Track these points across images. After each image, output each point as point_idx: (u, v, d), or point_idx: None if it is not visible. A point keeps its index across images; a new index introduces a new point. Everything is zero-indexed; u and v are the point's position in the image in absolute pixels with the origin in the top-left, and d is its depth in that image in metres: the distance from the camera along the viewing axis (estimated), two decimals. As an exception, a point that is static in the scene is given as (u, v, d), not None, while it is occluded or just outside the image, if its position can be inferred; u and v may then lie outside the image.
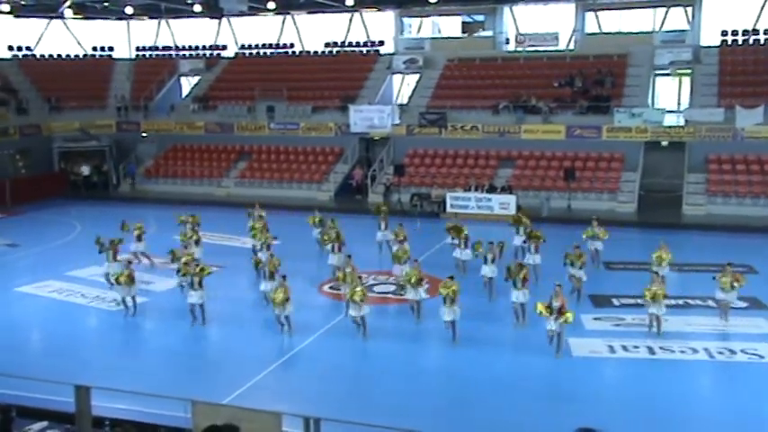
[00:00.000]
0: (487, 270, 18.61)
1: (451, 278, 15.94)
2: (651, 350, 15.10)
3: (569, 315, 14.60)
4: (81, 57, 45.32)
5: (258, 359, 14.94)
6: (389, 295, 19.38)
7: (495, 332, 16.45)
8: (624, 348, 15.26)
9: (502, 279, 17.50)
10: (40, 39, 44.66)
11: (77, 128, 39.06)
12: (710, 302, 17.44)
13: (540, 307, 14.73)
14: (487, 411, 12.45)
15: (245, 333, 16.68)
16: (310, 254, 23.03)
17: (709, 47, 35.20)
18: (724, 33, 35.43)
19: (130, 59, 45.48)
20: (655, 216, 28.43)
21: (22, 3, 39.07)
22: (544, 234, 20.08)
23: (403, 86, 40.55)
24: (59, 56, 44.96)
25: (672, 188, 30.34)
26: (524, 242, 20.84)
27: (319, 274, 21.10)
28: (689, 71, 34.89)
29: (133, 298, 17.90)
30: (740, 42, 35.29)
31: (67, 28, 44.92)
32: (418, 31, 42.16)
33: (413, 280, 16.85)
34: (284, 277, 16.53)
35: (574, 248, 18.39)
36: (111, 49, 45.78)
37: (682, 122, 31.87)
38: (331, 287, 19.70)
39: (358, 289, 15.76)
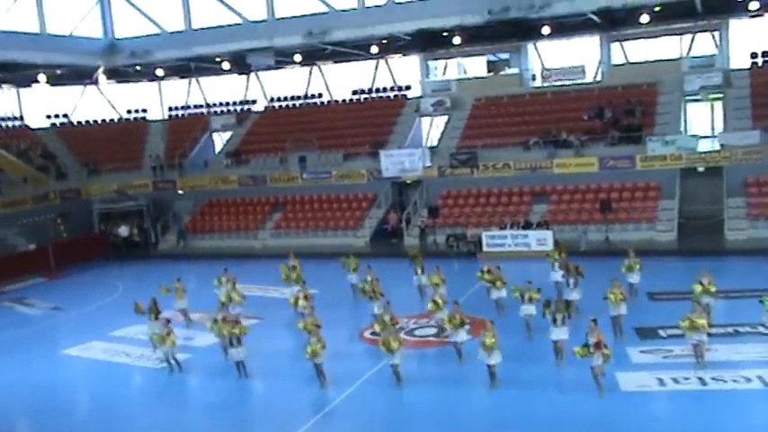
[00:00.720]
0: (527, 309, 18.32)
1: (492, 322, 15.71)
2: (702, 381, 14.68)
3: (607, 351, 14.27)
4: (116, 120, 46.62)
5: (299, 411, 14.85)
6: (431, 338, 19.21)
7: (538, 372, 16.08)
8: (674, 381, 14.86)
9: (540, 317, 17.22)
10: (76, 106, 46.04)
11: (115, 189, 39.86)
12: (761, 329, 16.95)
13: (578, 350, 14.35)
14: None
15: (286, 385, 16.57)
16: (347, 300, 23.03)
17: (740, 69, 34.90)
18: (753, 56, 35.14)
19: (164, 120, 46.58)
20: (696, 243, 27.91)
21: (58, 72, 40.30)
22: (582, 268, 19.74)
23: (432, 128, 40.78)
24: (95, 121, 46.34)
25: (712, 214, 29.80)
26: (563, 276, 20.53)
27: (358, 322, 21.02)
28: (720, 95, 34.54)
29: (174, 356, 17.95)
30: (770, 63, 34.93)
31: (102, 93, 46.31)
32: (444, 72, 42.53)
33: (455, 321, 16.67)
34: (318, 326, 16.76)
35: (612, 281, 18.00)
36: (144, 110, 46.99)
37: (717, 147, 31.43)
38: (372, 334, 19.57)
39: (392, 338, 15.64)
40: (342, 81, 43.91)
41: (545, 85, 38.21)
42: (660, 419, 13.72)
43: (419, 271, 22.98)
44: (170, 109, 47.39)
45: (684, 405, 13.99)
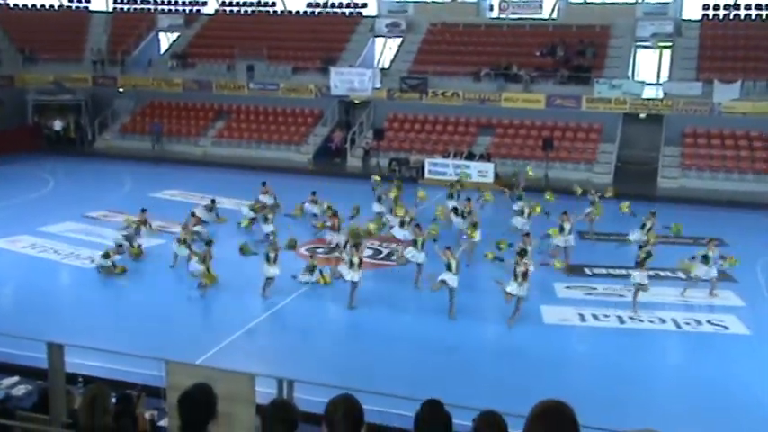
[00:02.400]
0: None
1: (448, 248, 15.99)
2: (621, 319, 15.38)
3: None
4: (56, 8, 44.39)
5: (232, 321, 14.99)
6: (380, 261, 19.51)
7: (471, 301, 16.49)
8: (594, 317, 15.52)
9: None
10: (14, -12, 43.65)
11: (52, 81, 38.36)
12: (680, 274, 17.74)
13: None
14: (451, 374, 12.61)
15: (223, 294, 16.64)
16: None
17: (691, 20, 35.28)
18: (706, 7, 35.52)
19: (108, 12, 44.59)
20: (630, 188, 28.63)
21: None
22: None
23: (385, 50, 40.25)
24: (34, 6, 44.02)
25: (648, 161, 30.62)
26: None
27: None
28: (670, 44, 34.98)
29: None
30: (721, 17, 35.39)
31: (43, -23, 43.95)
32: (402, -7, 41.73)
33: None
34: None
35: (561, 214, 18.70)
36: (87, 0, 44.83)
37: (660, 95, 32.04)
38: (307, 250, 19.68)
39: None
40: (296, -9, 42.71)
41: (501, 16, 37.94)
42: (576, 352, 14.39)
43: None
44: (115, 2, 45.34)
45: (601, 341, 14.65)
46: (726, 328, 15.09)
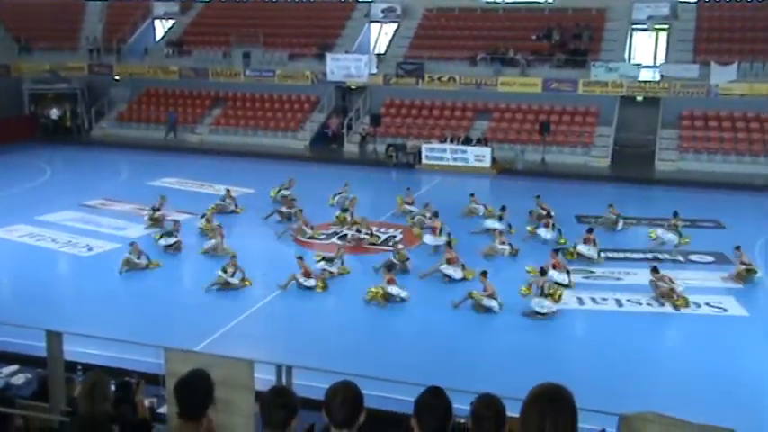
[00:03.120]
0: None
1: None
2: (619, 302, 15.40)
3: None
4: (51, -4, 44.10)
5: (231, 308, 15.02)
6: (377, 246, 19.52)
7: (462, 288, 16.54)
8: (593, 300, 15.55)
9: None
10: (7, -24, 43.34)
11: (48, 70, 38.19)
12: (678, 256, 17.76)
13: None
14: (450, 359, 12.65)
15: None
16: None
17: (687, 2, 35.12)
18: (703, -11, 35.35)
19: (103, 0, 44.27)
20: (627, 171, 28.70)
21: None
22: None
23: (381, 35, 40.07)
24: (28, -6, 43.71)
25: (645, 143, 30.59)
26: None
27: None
28: (666, 26, 34.85)
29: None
30: (718, -1, 35.27)
31: (36, -35, 43.60)
32: (397, -22, 41.47)
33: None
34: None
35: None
36: (82, -12, 44.52)
37: (657, 78, 31.96)
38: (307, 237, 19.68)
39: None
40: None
41: (497, 0, 37.78)
42: (575, 336, 14.43)
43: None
44: (109, -10, 45.04)
45: (600, 324, 14.69)
46: (724, 310, 15.13)
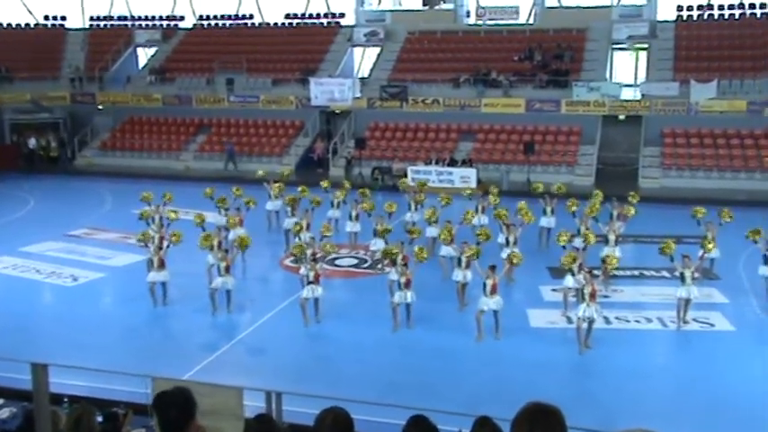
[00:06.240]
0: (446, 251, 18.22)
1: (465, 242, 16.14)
2: (607, 320, 15.39)
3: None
4: (32, 26, 44.12)
5: (218, 335, 14.91)
6: (353, 269, 19.46)
7: (445, 309, 16.39)
8: (581, 319, 15.52)
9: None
10: (-12, 7, 43.31)
11: (29, 99, 38.08)
12: (664, 273, 17.84)
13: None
14: (440, 381, 12.59)
15: (205, 309, 16.51)
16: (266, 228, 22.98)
17: (666, 21, 35.64)
18: (680, 8, 35.89)
19: (84, 29, 44.32)
20: (612, 188, 28.75)
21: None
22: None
23: (364, 59, 40.32)
24: (9, 25, 43.72)
25: (628, 161, 30.84)
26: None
27: (277, 248, 21.05)
28: (646, 46, 35.29)
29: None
30: (695, 17, 35.78)
31: (17, -5, 43.65)
32: (379, 2, 41.85)
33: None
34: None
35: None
36: (63, 18, 44.58)
37: (638, 96, 32.31)
38: (292, 261, 19.61)
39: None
40: (274, 3, 42.67)
41: (479, 23, 38.17)
42: (564, 355, 14.39)
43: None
44: (91, 18, 45.12)
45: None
46: (711, 325, 15.20)
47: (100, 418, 6.05)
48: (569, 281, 15.61)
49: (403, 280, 14.91)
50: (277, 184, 23.22)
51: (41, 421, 7.32)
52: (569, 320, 15.32)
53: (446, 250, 17.98)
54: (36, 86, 38.86)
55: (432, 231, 19.59)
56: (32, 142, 36.78)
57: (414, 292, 14.98)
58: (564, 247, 16.25)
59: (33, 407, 7.56)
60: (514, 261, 16.23)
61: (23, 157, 36.52)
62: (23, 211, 26.92)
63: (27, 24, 44.14)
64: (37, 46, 41.58)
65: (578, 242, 17.53)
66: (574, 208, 19.14)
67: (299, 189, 22.41)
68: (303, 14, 41.94)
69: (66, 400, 9.68)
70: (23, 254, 20.69)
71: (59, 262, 19.84)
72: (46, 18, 44.51)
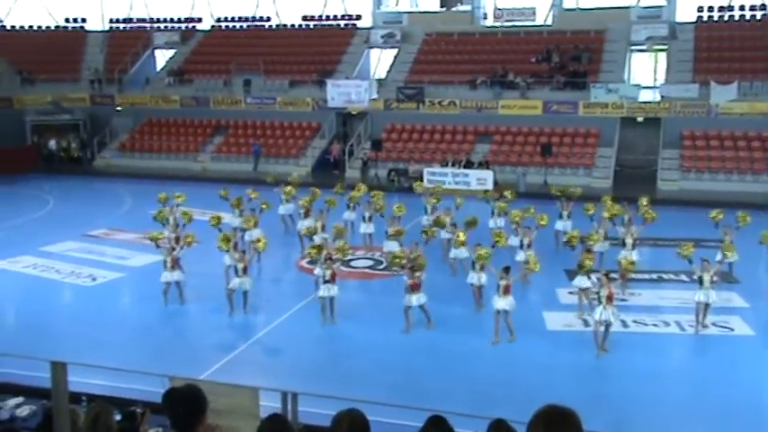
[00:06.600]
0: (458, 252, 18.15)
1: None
2: (624, 323, 15.30)
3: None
4: (53, 28, 44.58)
5: (235, 336, 14.97)
6: (368, 270, 19.48)
7: (460, 312, 16.37)
8: (598, 322, 15.42)
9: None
10: (10, 10, 43.82)
11: (50, 101, 38.48)
12: (683, 276, 17.69)
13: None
14: (456, 384, 12.57)
15: (221, 309, 16.57)
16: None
17: (685, 23, 35.43)
18: (700, 9, 35.68)
19: (104, 31, 44.76)
20: (630, 191, 28.61)
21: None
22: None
23: (381, 61, 40.37)
24: (30, 27, 44.19)
25: (647, 164, 30.64)
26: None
27: (290, 250, 21.09)
28: (665, 47, 35.07)
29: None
30: (716, 18, 35.53)
31: (38, -2, 44.16)
32: (396, 4, 41.92)
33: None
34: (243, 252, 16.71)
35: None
36: (83, 20, 45.05)
37: (657, 98, 32.11)
38: (309, 263, 19.64)
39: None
40: (292, 5, 42.88)
41: (496, 24, 38.11)
42: (580, 358, 14.30)
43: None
44: (111, 21, 45.54)
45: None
46: (731, 329, 15.05)
47: (118, 417, 6.09)
48: (580, 281, 15.56)
49: (410, 283, 14.89)
50: (287, 188, 23.17)
51: (60, 419, 7.39)
52: (585, 323, 15.25)
53: (456, 252, 17.98)
54: (56, 88, 39.28)
55: (445, 234, 19.57)
56: (52, 144, 37.18)
57: (424, 294, 14.94)
58: (573, 247, 16.20)
59: (52, 405, 7.64)
60: (535, 268, 15.97)
61: (43, 158, 36.91)
62: (43, 212, 27.19)
63: (48, 27, 44.64)
64: (57, 48, 42.03)
65: (599, 246, 17.46)
66: (591, 211, 19.08)
67: (311, 191, 22.43)
68: (320, 16, 42.10)
69: (84, 398, 9.76)
70: (43, 253, 20.89)
71: (79, 262, 20.00)
72: (66, 20, 45.01)
